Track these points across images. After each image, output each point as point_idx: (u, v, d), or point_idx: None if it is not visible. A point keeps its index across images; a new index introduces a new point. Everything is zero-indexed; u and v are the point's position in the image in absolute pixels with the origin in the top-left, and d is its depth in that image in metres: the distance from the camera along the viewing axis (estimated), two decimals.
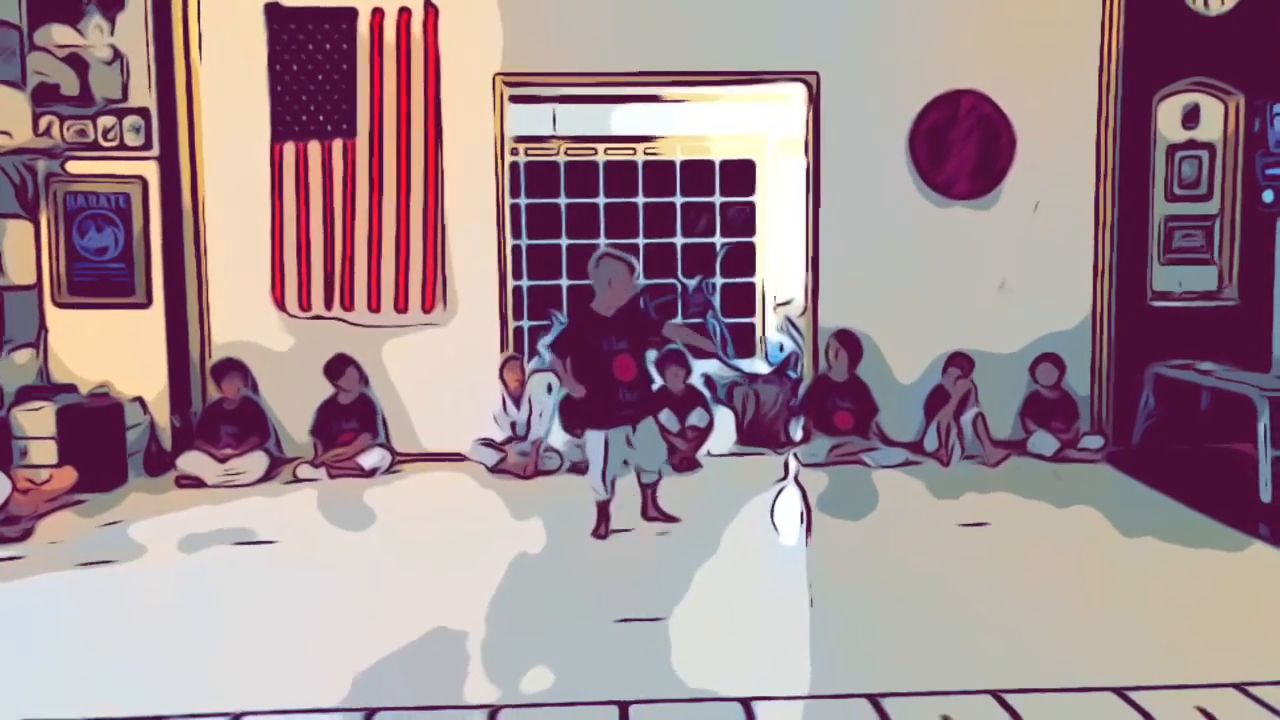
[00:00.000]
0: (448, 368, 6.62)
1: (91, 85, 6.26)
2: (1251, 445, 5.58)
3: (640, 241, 8.78)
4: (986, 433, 6.43)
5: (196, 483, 6.08)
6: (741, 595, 4.24)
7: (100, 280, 6.39)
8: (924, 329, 6.71)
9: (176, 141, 6.44)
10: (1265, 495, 5.39)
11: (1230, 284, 6.78)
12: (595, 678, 3.36)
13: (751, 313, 9.00)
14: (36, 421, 5.95)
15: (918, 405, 6.67)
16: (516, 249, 7.76)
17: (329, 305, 6.60)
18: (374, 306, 6.61)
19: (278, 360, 6.59)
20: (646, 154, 8.86)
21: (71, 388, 6.29)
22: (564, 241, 8.82)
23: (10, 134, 6.01)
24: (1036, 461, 6.42)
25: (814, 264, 6.82)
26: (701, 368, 7.04)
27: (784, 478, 6.17)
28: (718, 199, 8.94)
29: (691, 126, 8.68)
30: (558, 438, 6.45)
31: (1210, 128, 6.71)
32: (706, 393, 6.90)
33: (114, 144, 6.32)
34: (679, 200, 8.91)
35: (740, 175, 8.92)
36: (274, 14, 6.48)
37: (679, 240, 8.91)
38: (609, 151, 8.85)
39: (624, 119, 8.51)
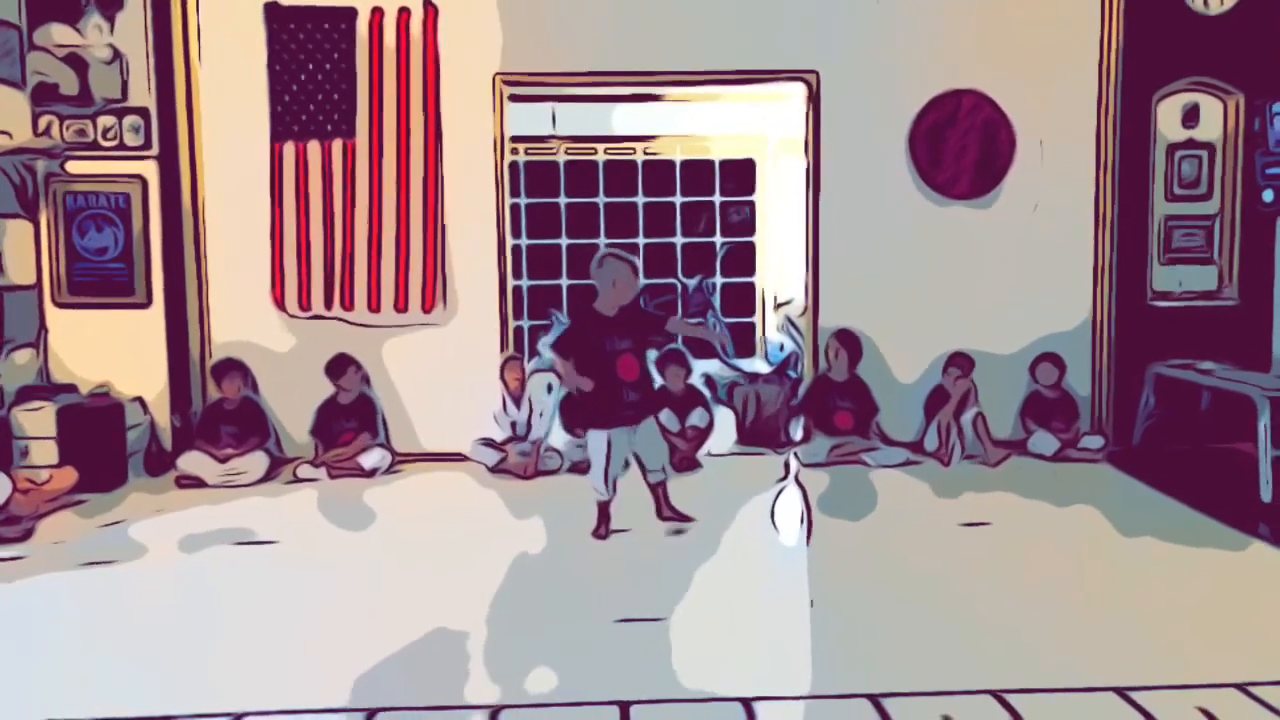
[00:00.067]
0: (448, 368, 6.62)
1: (91, 85, 6.26)
2: (1252, 445, 5.58)
3: (640, 241, 8.78)
4: (987, 432, 6.43)
5: (197, 483, 6.08)
6: (742, 595, 4.24)
7: (100, 280, 6.39)
8: (924, 328, 6.72)
9: (176, 141, 6.45)
10: (1266, 495, 5.39)
11: (1230, 283, 6.78)
12: (596, 678, 3.36)
13: (751, 312, 9.00)
14: (37, 421, 5.95)
15: (918, 405, 6.68)
16: (516, 249, 7.76)
17: (329, 305, 6.60)
18: (374, 306, 6.61)
19: (278, 360, 6.59)
20: (646, 154, 8.86)
21: (72, 388, 6.29)
22: (564, 241, 8.82)
23: (10, 134, 6.01)
24: (1037, 461, 6.42)
25: (814, 263, 6.82)
26: (702, 368, 7.04)
27: (784, 478, 6.17)
28: (718, 199, 8.94)
29: (691, 126, 8.68)
30: (558, 438, 6.45)
31: (1210, 127, 6.71)
32: (707, 392, 6.91)
33: (114, 144, 6.32)
34: (679, 200, 8.91)
35: (740, 175, 8.92)
36: (273, 14, 6.47)
37: (679, 240, 8.92)
38: (609, 151, 8.85)
39: (624, 118, 8.51)
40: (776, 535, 5.21)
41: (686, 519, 5.02)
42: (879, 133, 6.68)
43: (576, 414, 6.11)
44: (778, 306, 8.74)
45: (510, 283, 6.84)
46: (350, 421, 6.46)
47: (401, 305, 6.62)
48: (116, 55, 6.27)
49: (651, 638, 3.69)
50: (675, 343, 6.58)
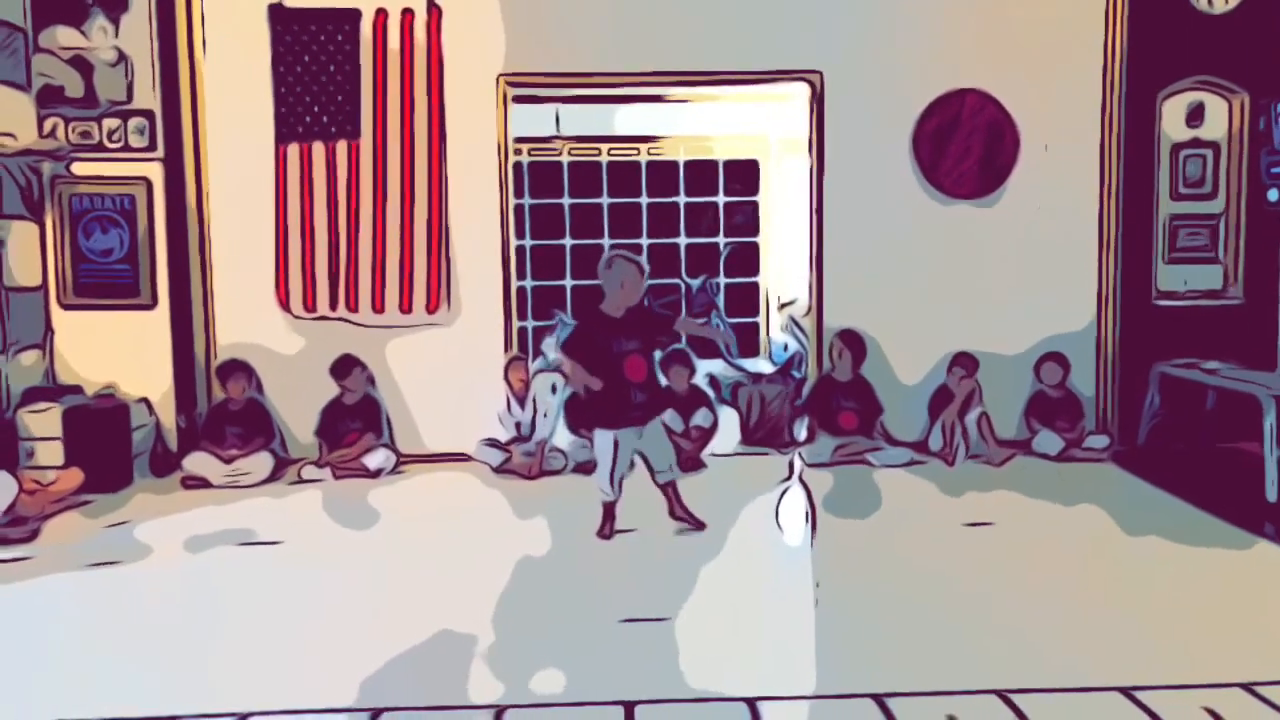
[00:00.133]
0: (452, 368, 6.62)
1: (96, 87, 6.28)
2: (1257, 444, 5.57)
3: (644, 241, 8.79)
4: (991, 432, 6.43)
5: (202, 483, 6.09)
6: (746, 595, 4.24)
7: (105, 282, 6.41)
8: (928, 328, 6.71)
9: (181, 143, 6.46)
10: (1271, 494, 5.38)
11: (1235, 283, 6.77)
12: (600, 678, 3.36)
13: (755, 313, 9.01)
14: (42, 423, 5.96)
15: (922, 405, 6.67)
16: (520, 249, 7.77)
17: (333, 306, 6.61)
18: (378, 307, 6.61)
19: (282, 361, 6.60)
20: (650, 154, 8.87)
21: (77, 389, 6.30)
22: (568, 242, 8.83)
23: (15, 136, 6.03)
24: (1041, 461, 6.41)
25: (818, 263, 6.82)
26: (706, 368, 7.04)
27: (789, 478, 6.17)
28: (721, 199, 8.95)
29: (695, 126, 8.69)
30: (562, 438, 6.45)
31: (1215, 126, 6.70)
32: (711, 393, 6.91)
33: (119, 145, 6.33)
34: (682, 200, 8.92)
35: (744, 175, 8.92)
36: (278, 15, 6.49)
37: (682, 240, 8.92)
38: (612, 152, 8.86)
39: (627, 119, 8.52)
40: (781, 535, 5.20)
41: (699, 523, 5.01)
42: (882, 133, 6.67)
43: (583, 414, 6.11)
44: (781, 306, 8.74)
45: (514, 283, 6.84)
46: (355, 422, 6.46)
47: (406, 306, 6.62)
48: (121, 57, 6.28)
49: (656, 638, 3.69)
50: (679, 342, 6.58)
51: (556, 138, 8.70)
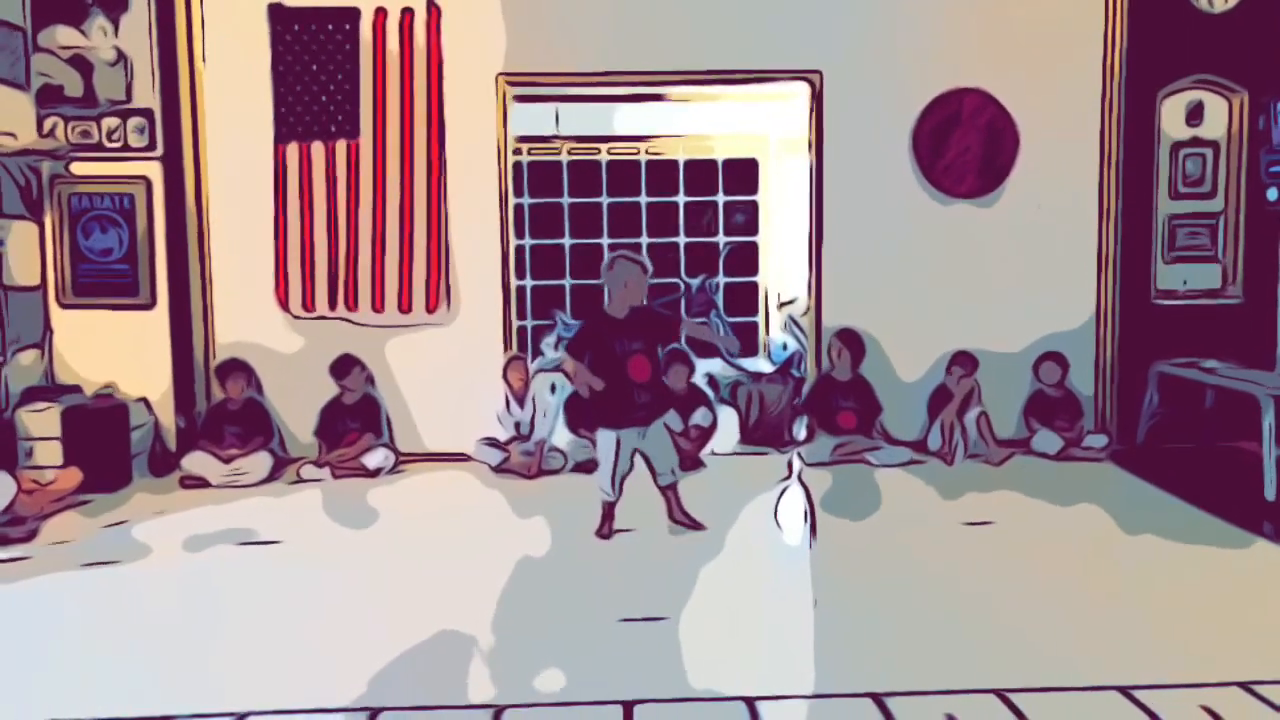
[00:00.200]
0: (451, 368, 6.62)
1: (95, 86, 6.28)
2: (1256, 443, 5.57)
3: (643, 241, 8.79)
4: (990, 431, 6.43)
5: (201, 483, 6.09)
6: (745, 595, 4.25)
7: (105, 281, 6.41)
8: (927, 328, 6.71)
9: (180, 142, 6.46)
10: (1270, 493, 5.38)
11: (1234, 282, 6.77)
12: (599, 677, 3.37)
13: (755, 312, 9.00)
14: (41, 422, 5.96)
15: (921, 404, 6.67)
16: (520, 249, 7.77)
17: (333, 305, 6.61)
18: (377, 306, 6.61)
19: (281, 360, 6.60)
20: (649, 153, 8.86)
21: (76, 389, 6.30)
22: (567, 241, 8.83)
23: (15, 135, 6.03)
24: (1040, 460, 6.42)
25: (817, 263, 6.82)
26: (705, 367, 7.04)
27: (788, 477, 6.17)
28: (721, 198, 8.94)
29: (694, 126, 8.68)
30: (561, 437, 6.45)
31: (1214, 125, 6.70)
32: (710, 392, 6.91)
33: (118, 145, 6.33)
34: (682, 200, 8.92)
35: (743, 174, 8.92)
36: (277, 15, 6.48)
37: (682, 240, 8.92)
38: (612, 151, 8.85)
39: (627, 118, 8.51)
40: (780, 535, 5.20)
41: (698, 525, 5.01)
42: (882, 132, 6.67)
43: (586, 414, 6.11)
44: (781, 306, 8.74)
45: (513, 283, 6.84)
46: (355, 422, 6.47)
47: (405, 305, 6.62)
48: (121, 57, 6.28)
49: (655, 637, 3.70)
50: (678, 342, 6.58)
51: (556, 137, 8.70)
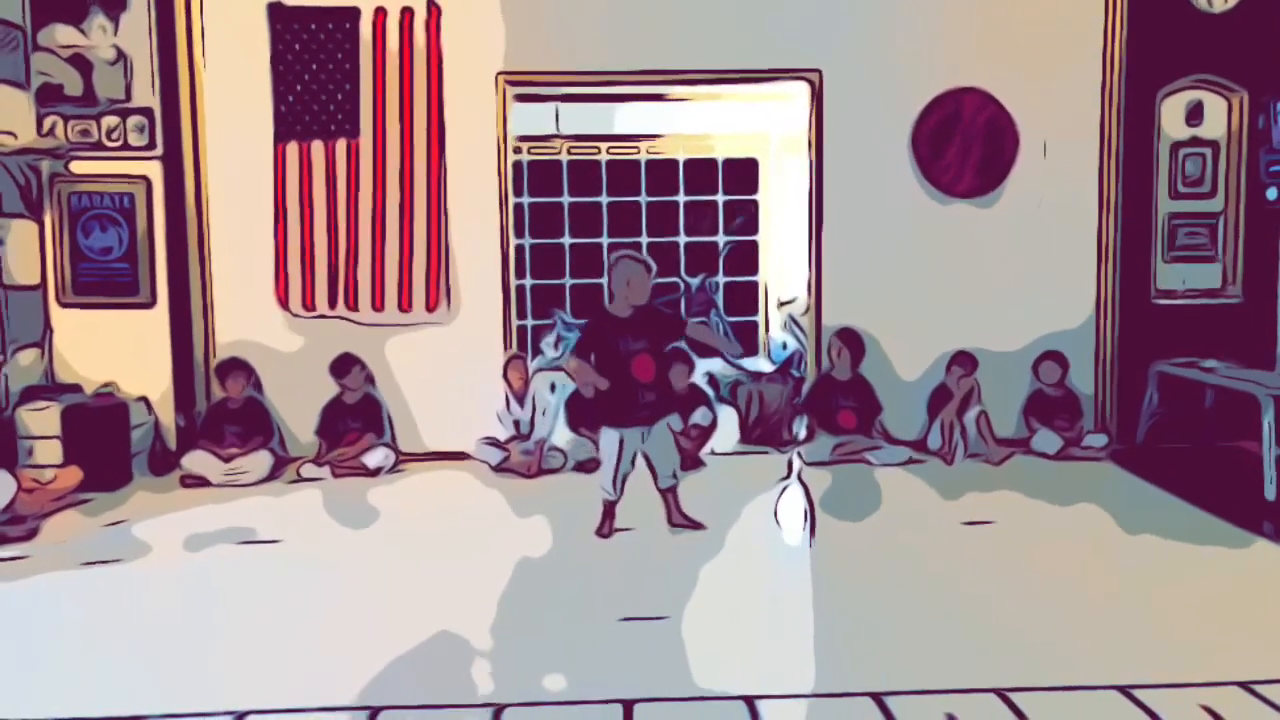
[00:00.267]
0: (451, 367, 6.63)
1: (95, 85, 6.28)
2: (1256, 443, 5.58)
3: (643, 240, 8.78)
4: (990, 431, 6.43)
5: (201, 482, 6.09)
6: (745, 594, 4.25)
7: (104, 280, 6.41)
8: (927, 327, 6.72)
9: (180, 141, 6.46)
10: (1270, 493, 5.39)
11: (1234, 281, 6.77)
12: (599, 676, 3.37)
13: (755, 311, 9.00)
14: (42, 421, 5.96)
15: (921, 403, 6.67)
16: (519, 248, 7.77)
17: (333, 304, 6.61)
18: (377, 305, 6.61)
19: (281, 359, 6.60)
20: (649, 153, 8.86)
21: (76, 387, 6.30)
22: (567, 240, 8.83)
23: (15, 134, 6.03)
24: (1040, 460, 6.42)
25: (817, 262, 6.82)
26: (705, 366, 7.04)
27: (787, 476, 6.17)
28: (721, 197, 8.94)
29: (694, 125, 8.67)
30: (561, 436, 6.45)
31: (1214, 125, 6.70)
32: (710, 391, 6.91)
33: (118, 144, 6.33)
34: (682, 199, 8.91)
35: (743, 174, 8.92)
36: (277, 14, 6.48)
37: (682, 239, 8.91)
38: (612, 150, 8.85)
39: (627, 118, 8.50)
40: (780, 534, 5.21)
41: (698, 525, 5.01)
42: (882, 131, 6.67)
43: (588, 413, 6.12)
44: (781, 305, 8.74)
45: (513, 282, 6.84)
46: (356, 421, 6.47)
47: (405, 304, 6.62)
48: (120, 56, 6.28)
49: (655, 636, 3.70)
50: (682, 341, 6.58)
51: (556, 136, 8.70)
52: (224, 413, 6.42)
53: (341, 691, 3.27)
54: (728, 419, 6.81)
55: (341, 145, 6.55)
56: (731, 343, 6.90)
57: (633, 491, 5.03)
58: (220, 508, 5.62)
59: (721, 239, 8.94)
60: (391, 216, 6.59)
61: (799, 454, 6.59)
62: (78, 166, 6.36)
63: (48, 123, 6.26)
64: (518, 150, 7.84)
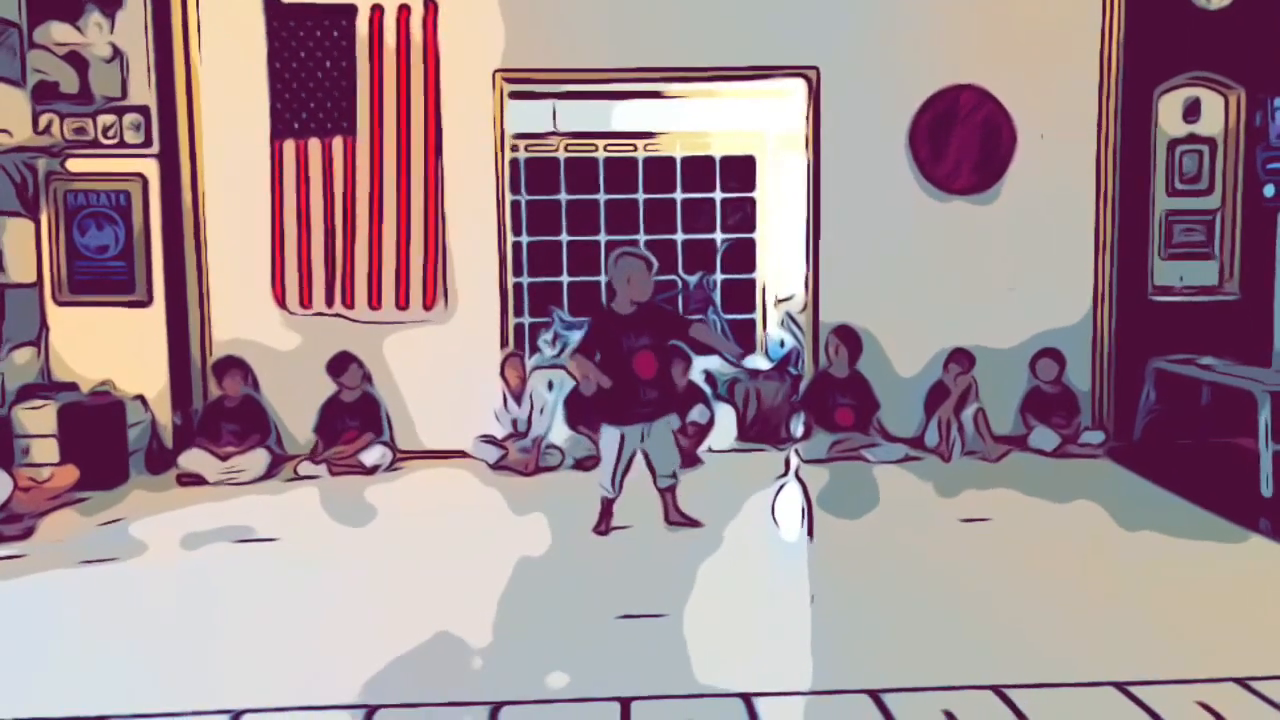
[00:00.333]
0: (448, 365, 6.62)
1: (91, 83, 6.26)
2: (1252, 440, 5.59)
3: (641, 238, 8.77)
4: (987, 428, 6.44)
5: (198, 480, 6.08)
6: (743, 591, 4.25)
7: (101, 278, 6.40)
8: (924, 324, 6.71)
9: (176, 139, 6.44)
10: (1266, 490, 5.39)
11: (1231, 278, 6.78)
12: (597, 674, 3.37)
13: (752, 309, 8.99)
14: (38, 419, 5.95)
15: (918, 401, 6.67)
16: (517, 245, 7.75)
17: (330, 302, 6.60)
18: (375, 303, 6.61)
19: (278, 357, 6.59)
20: (647, 150, 8.84)
21: (73, 386, 6.29)
22: (564, 238, 8.81)
23: (10, 132, 6.02)
24: (1037, 457, 6.42)
25: (814, 260, 6.82)
26: (703, 363, 7.04)
27: (785, 474, 6.17)
28: (718, 195, 8.93)
29: (692, 122, 8.66)
30: (559, 434, 6.45)
31: (1211, 122, 6.71)
32: (707, 389, 6.91)
33: (114, 142, 6.32)
34: (679, 196, 8.90)
35: (741, 171, 8.90)
36: (274, 11, 6.47)
37: (679, 236, 8.91)
38: (609, 148, 8.83)
39: (624, 115, 8.49)
40: (777, 531, 5.21)
41: (695, 523, 5.01)
42: (879, 129, 6.67)
43: (588, 411, 6.11)
44: (778, 303, 8.73)
45: (511, 280, 6.84)
46: (354, 420, 6.46)
47: (402, 302, 6.62)
48: (117, 53, 6.27)
49: (653, 634, 3.70)
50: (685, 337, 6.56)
51: (553, 134, 8.68)
52: (221, 411, 6.41)
53: (338, 689, 3.26)
54: (725, 416, 6.81)
55: (338, 143, 6.54)
56: (732, 344, 6.88)
57: (630, 489, 5.03)
58: (217, 506, 5.62)
59: (719, 236, 8.94)
60: (389, 214, 6.58)
61: (796, 451, 6.59)
62: (74, 164, 6.35)
63: (44, 120, 6.24)
64: (515, 148, 7.82)
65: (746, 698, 3.16)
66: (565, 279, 8.77)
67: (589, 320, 5.27)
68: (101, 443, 6.01)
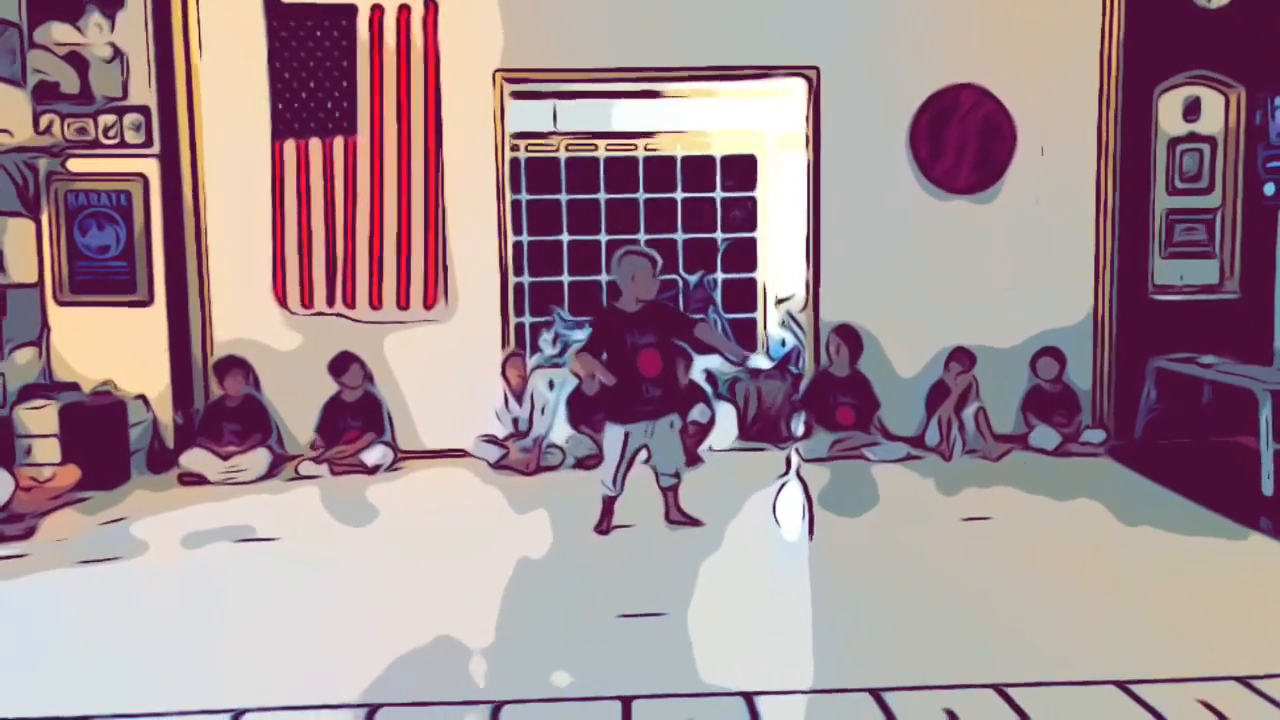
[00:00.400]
0: (449, 364, 6.62)
1: (92, 83, 6.27)
2: (1253, 438, 5.59)
3: (641, 237, 8.77)
4: (988, 427, 6.44)
5: (199, 480, 6.09)
6: (744, 590, 4.25)
7: (102, 278, 6.40)
8: (925, 324, 6.72)
9: (177, 139, 6.45)
10: (1267, 488, 5.39)
11: (1232, 277, 6.78)
12: (598, 673, 3.37)
13: (753, 308, 9.00)
14: (39, 419, 5.96)
15: (919, 400, 6.68)
16: (517, 245, 7.76)
17: (331, 302, 6.61)
18: (375, 303, 6.61)
19: (280, 357, 6.59)
20: (647, 150, 8.84)
21: (74, 386, 6.30)
22: (565, 238, 8.81)
23: (11, 132, 6.02)
24: (1038, 455, 6.42)
25: (815, 259, 6.82)
26: (703, 363, 7.04)
27: (786, 473, 6.18)
28: (719, 194, 8.93)
29: (692, 122, 8.66)
30: (560, 433, 6.46)
31: (1211, 121, 6.71)
32: (708, 388, 6.91)
33: (115, 142, 6.32)
34: (680, 196, 8.90)
35: (741, 170, 8.91)
36: (274, 11, 6.47)
37: (680, 236, 8.91)
38: (609, 147, 8.83)
39: (624, 115, 8.50)
40: (778, 530, 5.21)
41: (696, 522, 5.01)
42: (879, 128, 6.67)
43: (590, 410, 6.12)
44: (779, 302, 8.73)
45: (511, 279, 6.84)
46: (356, 419, 6.47)
47: (403, 302, 6.62)
48: (117, 53, 6.27)
49: (654, 633, 3.70)
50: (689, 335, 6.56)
51: (554, 133, 8.68)
52: (222, 411, 6.41)
53: (340, 689, 3.26)
54: (726, 415, 6.81)
55: (339, 143, 6.55)
56: (736, 346, 6.88)
57: (631, 488, 5.03)
58: (218, 506, 5.62)
59: (719, 236, 8.94)
60: (389, 214, 6.58)
61: (797, 450, 6.59)
62: (74, 164, 6.35)
63: (44, 120, 6.25)
64: (515, 147, 7.82)
65: (748, 696, 3.16)
66: (566, 278, 8.77)
67: (593, 318, 5.27)
68: (103, 442, 6.01)
